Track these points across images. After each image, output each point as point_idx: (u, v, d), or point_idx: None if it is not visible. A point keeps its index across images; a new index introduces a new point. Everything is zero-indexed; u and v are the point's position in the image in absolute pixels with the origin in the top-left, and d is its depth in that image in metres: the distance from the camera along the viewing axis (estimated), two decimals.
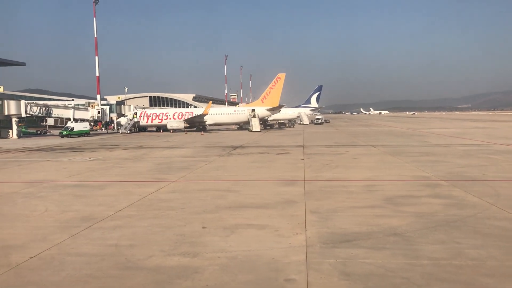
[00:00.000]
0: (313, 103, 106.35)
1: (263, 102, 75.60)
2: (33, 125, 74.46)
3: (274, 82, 75.34)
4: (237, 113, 75.78)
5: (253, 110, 73.19)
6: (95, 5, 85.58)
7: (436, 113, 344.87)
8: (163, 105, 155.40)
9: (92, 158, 31.22)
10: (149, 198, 15.96)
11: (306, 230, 11.22)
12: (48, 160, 30.57)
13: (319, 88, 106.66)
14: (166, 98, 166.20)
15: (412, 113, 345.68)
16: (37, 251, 9.89)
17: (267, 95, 75.55)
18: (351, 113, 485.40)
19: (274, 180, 19.78)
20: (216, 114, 74.86)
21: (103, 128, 77.67)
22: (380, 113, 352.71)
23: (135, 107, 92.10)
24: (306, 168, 23.34)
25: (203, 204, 14.77)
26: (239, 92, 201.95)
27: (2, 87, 64.18)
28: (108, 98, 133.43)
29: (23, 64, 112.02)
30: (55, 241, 10.70)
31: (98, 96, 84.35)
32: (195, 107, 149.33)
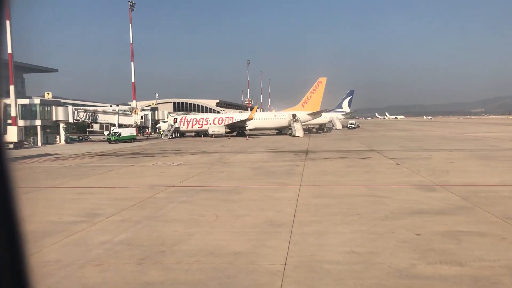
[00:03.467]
0: (345, 107, 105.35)
1: (303, 106, 74.95)
2: (70, 131, 74.71)
3: (315, 86, 74.73)
4: (278, 118, 75.21)
5: (294, 115, 72.53)
6: (131, 11, 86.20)
7: (453, 118, 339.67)
8: (187, 111, 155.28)
9: (175, 163, 30.81)
10: (305, 203, 15.33)
11: None
12: (132, 165, 30.23)
13: (351, 93, 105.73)
14: (190, 104, 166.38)
15: (429, 117, 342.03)
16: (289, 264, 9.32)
17: (308, 99, 74.92)
18: (364, 118, 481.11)
19: (409, 185, 19.01)
20: (256, 119, 74.38)
21: (140, 134, 77.81)
22: (396, 117, 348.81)
23: (169, 113, 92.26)
24: (418, 173, 22.50)
25: (372, 209, 14.11)
26: (259, 97, 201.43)
27: (50, 93, 64.46)
28: (132, 104, 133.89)
29: (56, 70, 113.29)
30: (305, 251, 10.04)
31: (134, 102, 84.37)
32: (218, 112, 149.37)
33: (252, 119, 69.84)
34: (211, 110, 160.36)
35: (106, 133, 72.96)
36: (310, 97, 74.67)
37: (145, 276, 8.63)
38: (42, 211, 15.23)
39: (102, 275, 8.78)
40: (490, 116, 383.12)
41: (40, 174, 26.47)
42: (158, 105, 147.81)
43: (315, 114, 74.60)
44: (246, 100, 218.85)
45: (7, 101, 54.64)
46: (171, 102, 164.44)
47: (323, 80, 74.14)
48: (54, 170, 28.43)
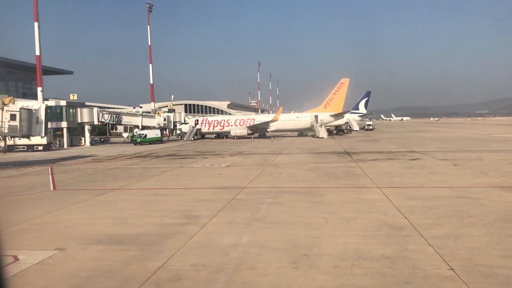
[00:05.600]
0: (362, 109, 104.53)
1: (325, 108, 74.57)
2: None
3: (338, 87, 74.32)
4: (300, 120, 74.82)
5: (316, 116, 72.13)
6: (149, 13, 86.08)
7: (459, 119, 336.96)
8: (198, 113, 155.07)
9: (223, 164, 30.45)
10: (404, 206, 14.83)
11: None
12: (181, 167, 29.91)
13: (368, 94, 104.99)
14: (201, 106, 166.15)
15: (436, 119, 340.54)
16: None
17: (330, 100, 74.50)
18: (369, 119, 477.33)
19: (491, 186, 18.50)
20: (279, 120, 74.02)
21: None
22: (402, 119, 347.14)
23: (186, 115, 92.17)
24: (486, 174, 21.98)
25: (480, 212, 13.67)
26: (268, 99, 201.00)
27: (75, 95, 64.32)
28: (144, 106, 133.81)
29: (71, 72, 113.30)
30: (457, 255, 9.65)
31: (152, 104, 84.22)
32: (229, 114, 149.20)
33: (277, 120, 69.51)
34: (222, 112, 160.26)
35: (125, 135, 72.92)
36: (333, 98, 74.26)
37: (316, 281, 8.25)
38: (132, 213, 14.89)
39: (267, 279, 8.40)
40: (496, 118, 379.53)
41: (94, 176, 26.13)
42: (165, 107, 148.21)
43: (338, 116, 74.19)
44: (252, 102, 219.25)
45: (34, 103, 54.55)
46: (182, 104, 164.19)
47: (345, 81, 73.75)
48: (106, 172, 28.10)
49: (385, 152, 37.83)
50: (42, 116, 34.46)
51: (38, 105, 35.19)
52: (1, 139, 32.87)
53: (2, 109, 31.56)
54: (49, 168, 31.07)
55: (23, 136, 33.78)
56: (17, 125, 31.90)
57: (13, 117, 31.82)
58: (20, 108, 32.36)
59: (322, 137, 66.54)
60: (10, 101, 32.34)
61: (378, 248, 10.13)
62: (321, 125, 67.89)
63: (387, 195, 16.90)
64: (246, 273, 8.76)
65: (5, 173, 28.48)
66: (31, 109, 33.44)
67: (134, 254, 10.22)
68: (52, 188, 21.21)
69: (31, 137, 35.77)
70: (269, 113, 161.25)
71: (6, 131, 31.58)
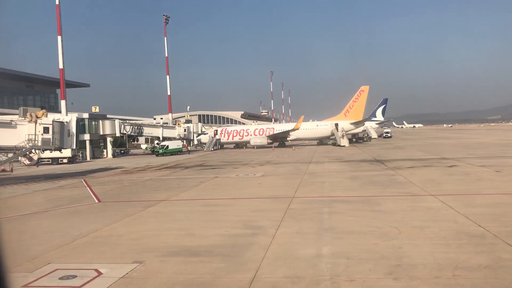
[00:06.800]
0: (379, 116, 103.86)
1: (345, 115, 74.19)
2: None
3: (358, 95, 74.00)
4: (320, 128, 74.48)
5: (336, 124, 71.72)
6: (166, 24, 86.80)
7: (473, 125, 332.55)
8: (212, 123, 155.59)
9: (257, 174, 30.23)
10: (472, 214, 14.40)
11: None
12: (216, 177, 29.74)
13: (385, 101, 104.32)
14: (215, 116, 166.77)
15: (449, 125, 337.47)
16: None
17: (350, 108, 74.15)
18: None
19: None
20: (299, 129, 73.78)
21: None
22: (414, 126, 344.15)
23: (202, 125, 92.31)
24: None
25: None
26: (280, 108, 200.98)
27: (97, 107, 64.84)
28: (157, 117, 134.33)
29: (87, 85, 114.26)
30: None
31: (170, 115, 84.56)
32: (243, 123, 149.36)
33: (298, 129, 69.27)
34: (236, 122, 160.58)
35: (143, 146, 73.15)
36: (353, 106, 73.91)
37: None
38: (194, 224, 14.71)
39: None
40: (510, 123, 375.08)
41: (134, 188, 26.08)
42: (184, 118, 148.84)
43: (358, 123, 73.74)
44: (263, 111, 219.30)
45: (57, 115, 54.98)
46: (196, 114, 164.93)
47: (365, 88, 73.41)
48: (143, 183, 28.06)
49: (416, 159, 37.29)
50: (73, 129, 34.62)
51: (69, 117, 35.33)
52: (35, 152, 32.95)
53: (36, 122, 31.73)
54: (83, 180, 31.10)
55: (56, 149, 33.91)
56: (50, 138, 32.05)
57: (46, 130, 31.97)
58: (52, 121, 32.53)
59: (344, 146, 65.99)
60: (43, 114, 32.53)
61: (471, 258, 9.77)
62: (342, 135, 67.29)
63: (445, 202, 16.47)
64: (346, 285, 8.46)
65: (41, 186, 28.54)
66: (63, 122, 33.61)
67: (218, 266, 9.98)
68: (96, 201, 21.12)
69: (62, 149, 35.89)
70: (281, 122, 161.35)
71: (39, 144, 31.73)
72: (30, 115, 31.54)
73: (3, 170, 38.49)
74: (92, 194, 23.56)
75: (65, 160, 51.59)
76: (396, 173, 27.30)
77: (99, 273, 9.77)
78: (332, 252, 10.67)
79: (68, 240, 13.02)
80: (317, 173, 29.38)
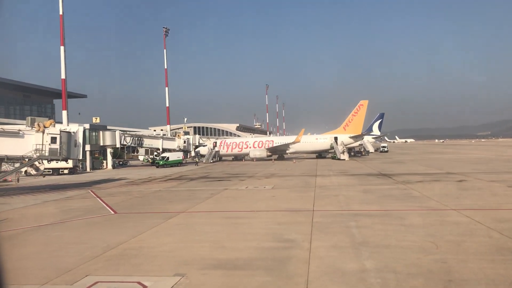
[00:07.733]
0: (375, 131, 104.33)
1: (345, 129, 74.48)
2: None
3: (357, 109, 74.43)
4: (319, 141, 74.63)
5: (335, 138, 71.94)
6: (166, 37, 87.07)
7: (464, 141, 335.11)
8: (207, 135, 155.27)
9: (267, 187, 30.08)
10: (508, 228, 14.43)
11: None
12: (225, 189, 29.54)
13: (381, 116, 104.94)
14: (211, 128, 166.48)
15: (441, 141, 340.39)
16: None
17: (349, 122, 74.49)
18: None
19: None
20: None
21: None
22: (406, 141, 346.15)
23: (200, 137, 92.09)
24: None
25: None
26: (275, 121, 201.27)
27: (98, 118, 64.37)
28: (152, 129, 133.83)
29: (85, 96, 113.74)
30: None
31: (168, 127, 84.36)
32: (239, 136, 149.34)
33: (298, 142, 69.32)
34: (231, 134, 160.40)
35: (141, 158, 72.66)
36: (352, 120, 74.27)
37: None
38: (222, 236, 14.51)
39: None
40: (500, 139, 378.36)
41: (146, 199, 25.76)
42: (180, 130, 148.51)
43: (358, 137, 74.05)
44: (256, 124, 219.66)
45: (59, 126, 54.46)
46: (192, 126, 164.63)
47: (364, 103, 73.91)
48: (154, 194, 27.77)
49: (422, 174, 37.39)
50: (80, 139, 34.29)
51: (75, 128, 34.99)
52: (41, 162, 32.51)
53: (43, 132, 31.38)
54: (90, 191, 30.73)
55: (63, 159, 33.49)
56: (57, 148, 31.68)
57: (53, 140, 31.61)
58: (60, 131, 32.19)
59: (344, 159, 66.10)
60: (51, 124, 32.21)
61: None
62: (343, 150, 67.40)
63: (471, 217, 16.45)
64: None
65: (49, 197, 28.12)
66: (70, 132, 33.29)
67: (265, 279, 9.81)
68: (112, 212, 20.79)
69: (68, 159, 35.49)
70: (275, 135, 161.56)
71: (47, 154, 31.34)
72: (38, 124, 31.19)
73: (5, 180, 37.95)
74: (105, 205, 23.24)
75: (66, 171, 51.08)
76: (408, 187, 27.30)
77: (144, 286, 9.54)
78: (376, 266, 10.53)
79: (98, 252, 12.75)
80: (327, 186, 29.29)
